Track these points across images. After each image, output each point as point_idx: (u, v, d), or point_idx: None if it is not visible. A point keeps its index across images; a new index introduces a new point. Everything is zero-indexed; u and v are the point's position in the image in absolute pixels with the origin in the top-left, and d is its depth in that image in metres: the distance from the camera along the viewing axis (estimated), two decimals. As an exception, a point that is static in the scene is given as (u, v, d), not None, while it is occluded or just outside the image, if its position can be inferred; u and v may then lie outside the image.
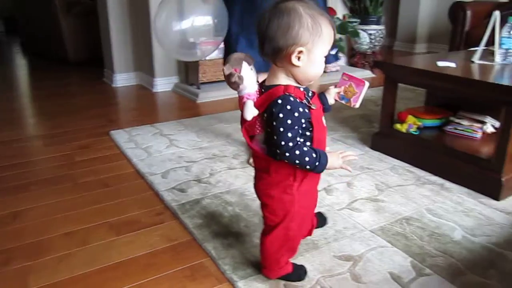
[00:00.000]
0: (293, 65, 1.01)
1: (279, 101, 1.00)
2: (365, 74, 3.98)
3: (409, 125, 2.06)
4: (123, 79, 3.76)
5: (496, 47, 2.06)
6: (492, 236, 1.49)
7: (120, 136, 2.45)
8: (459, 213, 1.63)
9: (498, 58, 2.06)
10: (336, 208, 1.66)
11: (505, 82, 1.80)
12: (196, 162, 2.08)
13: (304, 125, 1.03)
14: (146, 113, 2.98)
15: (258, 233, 1.48)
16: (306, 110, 1.03)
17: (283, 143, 1.00)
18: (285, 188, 1.11)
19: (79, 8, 4.60)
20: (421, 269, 1.31)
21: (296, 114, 1.00)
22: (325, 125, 1.12)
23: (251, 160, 2.04)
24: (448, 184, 1.85)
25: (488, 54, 2.14)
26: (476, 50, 2.17)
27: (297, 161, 1.02)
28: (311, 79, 1.06)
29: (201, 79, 3.30)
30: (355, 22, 4.06)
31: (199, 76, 3.28)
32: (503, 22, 2.04)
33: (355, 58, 4.33)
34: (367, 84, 1.14)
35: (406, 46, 5.62)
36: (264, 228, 1.22)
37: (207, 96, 3.24)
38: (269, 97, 1.03)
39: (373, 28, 4.23)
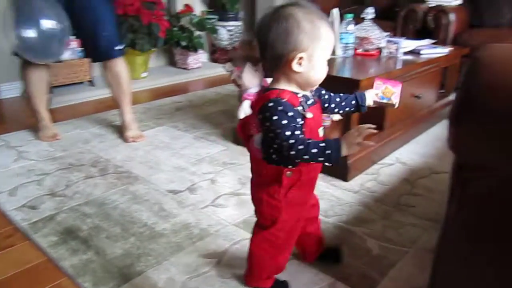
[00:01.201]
0: (295, 71, 0.98)
1: (270, 104, 0.97)
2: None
3: (266, 118, 2.15)
4: (-42, 86, 3.29)
5: (336, 42, 2.26)
6: (343, 215, 1.64)
7: (-44, 152, 2.16)
8: (314, 197, 1.75)
9: (339, 51, 2.26)
10: (200, 206, 1.67)
11: (345, 74, 1.98)
12: (49, 174, 1.92)
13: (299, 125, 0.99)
14: (-11, 124, 2.66)
15: (120, 243, 1.44)
16: (299, 119, 0.98)
17: (284, 143, 0.95)
18: (272, 193, 1.08)
19: None
20: (281, 255, 1.39)
21: (290, 114, 0.96)
22: (321, 136, 1.07)
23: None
24: (304, 171, 1.98)
25: (331, 48, 2.33)
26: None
27: (305, 157, 0.95)
28: (313, 84, 1.03)
29: (52, 83, 3.04)
30: (213, 18, 4.11)
31: (50, 80, 3.02)
32: (342, 19, 2.24)
33: (217, 54, 4.40)
34: (401, 84, 1.19)
35: (265, 41, 5.86)
36: (254, 228, 1.20)
37: (60, 100, 3.00)
38: (261, 99, 1.00)
39: (232, 24, 4.33)
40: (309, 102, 1.03)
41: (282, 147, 0.96)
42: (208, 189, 1.81)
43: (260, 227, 1.17)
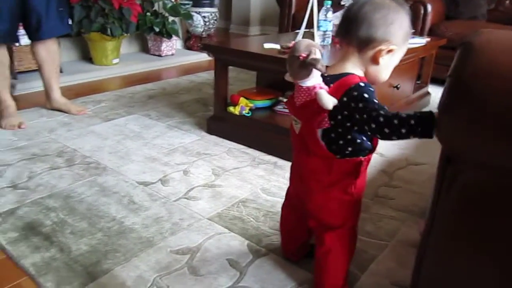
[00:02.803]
0: (374, 60, 0.99)
1: (362, 84, 0.94)
2: (202, 57, 3.96)
3: (242, 107, 2.09)
4: None
5: (315, 30, 2.19)
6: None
7: None
8: (291, 189, 1.70)
9: (317, 39, 2.20)
10: (172, 199, 1.59)
11: (325, 62, 1.92)
12: (11, 165, 1.81)
13: None
14: None
15: (87, 239, 1.35)
16: None
17: (382, 112, 0.88)
18: (345, 187, 1.04)
19: None
20: (257, 250, 1.33)
21: (376, 100, 0.93)
22: None
23: None
24: (280, 162, 1.93)
25: (310, 36, 2.27)
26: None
27: (395, 121, 0.86)
28: (377, 82, 1.03)
29: (17, 68, 2.89)
30: (188, 4, 3.99)
31: (14, 65, 2.87)
32: (321, 6, 2.17)
33: (191, 41, 4.28)
34: None
35: (241, 29, 5.77)
36: (320, 238, 1.11)
37: (26, 86, 2.86)
38: (344, 83, 0.96)
39: (207, 10, 4.22)
40: None
41: (379, 122, 0.88)
42: (180, 181, 1.73)
43: (328, 230, 1.09)
